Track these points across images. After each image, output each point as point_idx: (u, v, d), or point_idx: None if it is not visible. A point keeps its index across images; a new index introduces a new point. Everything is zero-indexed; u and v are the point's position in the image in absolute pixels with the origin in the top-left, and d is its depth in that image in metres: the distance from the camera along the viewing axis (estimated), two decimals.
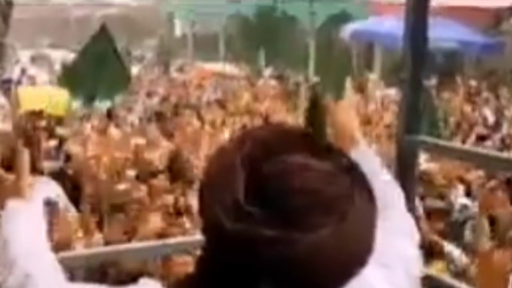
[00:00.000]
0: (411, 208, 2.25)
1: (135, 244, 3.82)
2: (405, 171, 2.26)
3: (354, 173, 1.00)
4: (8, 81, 14.55)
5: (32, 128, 8.46)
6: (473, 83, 14.94)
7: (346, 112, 1.55)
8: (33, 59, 22.21)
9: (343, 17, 19.05)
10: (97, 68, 6.96)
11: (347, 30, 17.01)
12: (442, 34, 15.14)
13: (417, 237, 1.37)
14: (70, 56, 19.39)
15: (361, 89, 14.05)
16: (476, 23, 15.46)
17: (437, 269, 4.26)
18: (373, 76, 16.70)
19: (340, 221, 0.94)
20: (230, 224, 0.92)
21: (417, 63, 2.20)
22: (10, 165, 7.24)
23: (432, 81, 15.13)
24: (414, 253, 1.31)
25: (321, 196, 0.94)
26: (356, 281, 0.99)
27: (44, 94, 10.69)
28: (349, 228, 0.95)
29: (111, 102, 9.34)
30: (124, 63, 7.24)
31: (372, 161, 1.43)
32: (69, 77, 7.87)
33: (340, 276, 0.97)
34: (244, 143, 1.00)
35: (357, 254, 0.98)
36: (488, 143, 8.37)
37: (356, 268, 0.98)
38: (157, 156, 7.57)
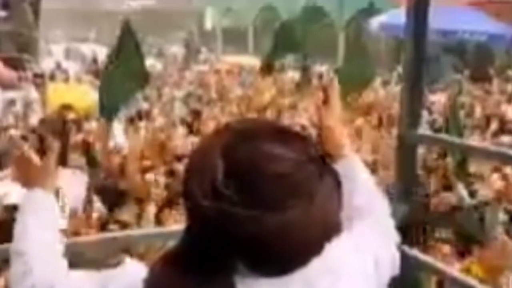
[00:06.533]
0: (409, 199, 2.32)
1: (147, 230, 3.89)
2: (405, 165, 2.30)
3: (319, 162, 1.09)
4: (41, 75, 14.70)
5: (62, 122, 8.60)
6: (510, 73, 14.64)
7: (335, 117, 1.54)
8: (67, 52, 22.46)
9: (372, 10, 18.89)
10: (122, 66, 7.05)
11: (375, 23, 16.90)
12: (472, 27, 14.98)
13: (394, 240, 1.41)
14: (102, 50, 19.67)
15: (386, 83, 13.96)
16: (507, 17, 15.21)
17: None
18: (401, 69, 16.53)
19: (308, 204, 1.04)
20: (207, 203, 1.02)
21: (417, 57, 2.21)
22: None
23: (463, 74, 15.00)
24: (388, 252, 1.35)
25: (290, 180, 1.04)
26: (332, 258, 1.10)
27: (73, 89, 10.92)
28: (316, 210, 1.05)
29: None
30: (144, 62, 7.27)
31: (355, 168, 1.47)
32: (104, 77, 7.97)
33: (305, 253, 1.07)
34: (223, 134, 1.10)
35: (321, 235, 1.07)
36: (504, 138, 8.21)
37: (320, 246, 1.08)
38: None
